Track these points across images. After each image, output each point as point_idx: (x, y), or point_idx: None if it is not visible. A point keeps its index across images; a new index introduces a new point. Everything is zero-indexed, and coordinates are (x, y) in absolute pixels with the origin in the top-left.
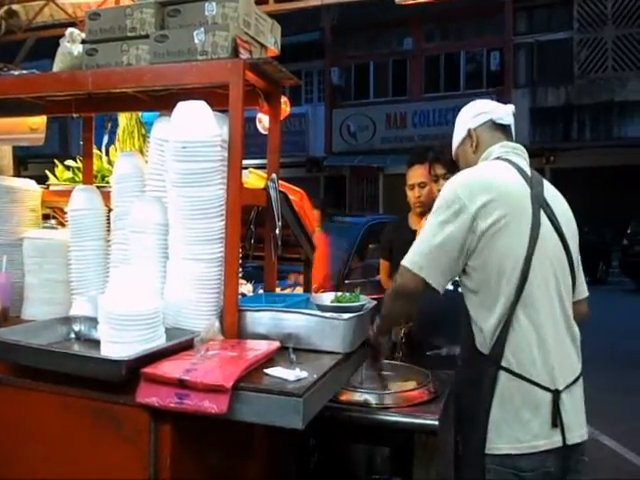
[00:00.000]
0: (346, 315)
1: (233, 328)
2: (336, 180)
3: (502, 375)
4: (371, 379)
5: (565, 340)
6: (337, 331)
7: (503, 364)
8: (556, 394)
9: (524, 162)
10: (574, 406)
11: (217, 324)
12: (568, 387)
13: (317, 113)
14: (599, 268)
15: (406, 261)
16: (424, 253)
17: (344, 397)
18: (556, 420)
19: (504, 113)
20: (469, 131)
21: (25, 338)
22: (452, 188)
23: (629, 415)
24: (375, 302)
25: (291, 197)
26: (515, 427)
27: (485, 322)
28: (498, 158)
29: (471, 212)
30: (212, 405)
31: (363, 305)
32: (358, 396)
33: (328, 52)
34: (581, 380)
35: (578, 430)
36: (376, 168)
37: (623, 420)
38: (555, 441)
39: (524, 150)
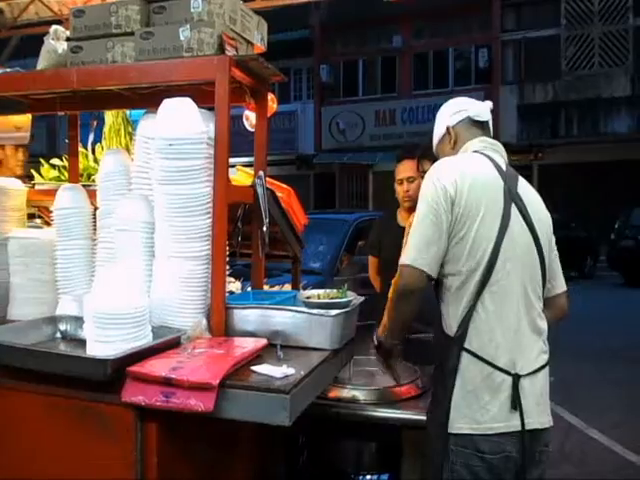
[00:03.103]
0: (333, 311)
1: (220, 326)
2: (326, 177)
3: (465, 356)
4: (359, 375)
5: (527, 332)
6: (324, 328)
7: (466, 345)
8: (516, 378)
9: (501, 158)
10: (535, 393)
11: (204, 322)
12: (529, 375)
13: (306, 110)
14: (587, 263)
15: (406, 259)
16: (420, 248)
17: (332, 393)
18: (515, 403)
19: (481, 110)
20: (447, 129)
21: (10, 338)
22: (431, 177)
23: (617, 408)
24: (362, 298)
25: (279, 194)
26: (474, 408)
27: (452, 305)
28: (476, 152)
29: (451, 195)
30: (199, 403)
31: (350, 301)
32: (346, 392)
33: (317, 49)
34: (546, 370)
35: (538, 417)
36: (365, 165)
37: (611, 413)
38: (513, 425)
39: (502, 147)
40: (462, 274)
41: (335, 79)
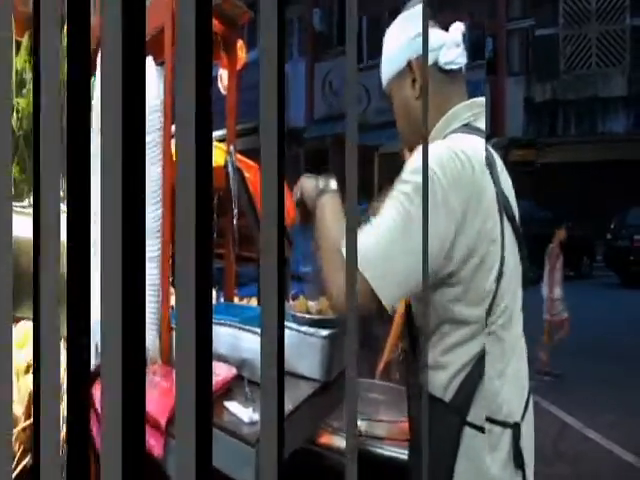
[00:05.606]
0: (324, 331)
1: (171, 348)
2: (319, 155)
3: (468, 431)
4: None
5: (521, 367)
6: (313, 351)
7: (470, 419)
8: (516, 428)
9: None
10: (529, 431)
11: (157, 343)
12: (524, 415)
13: (297, 73)
14: (583, 262)
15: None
16: (379, 254)
17: (323, 440)
18: (519, 461)
19: (454, 53)
20: (410, 64)
21: None
22: (434, 168)
23: (613, 408)
24: None
25: (245, 174)
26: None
27: (451, 360)
28: (466, 125)
29: (457, 210)
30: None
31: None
32: (339, 440)
33: None
34: (531, 398)
35: (531, 456)
36: (370, 147)
37: (607, 413)
38: None
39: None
40: (474, 318)
41: (329, 27)
